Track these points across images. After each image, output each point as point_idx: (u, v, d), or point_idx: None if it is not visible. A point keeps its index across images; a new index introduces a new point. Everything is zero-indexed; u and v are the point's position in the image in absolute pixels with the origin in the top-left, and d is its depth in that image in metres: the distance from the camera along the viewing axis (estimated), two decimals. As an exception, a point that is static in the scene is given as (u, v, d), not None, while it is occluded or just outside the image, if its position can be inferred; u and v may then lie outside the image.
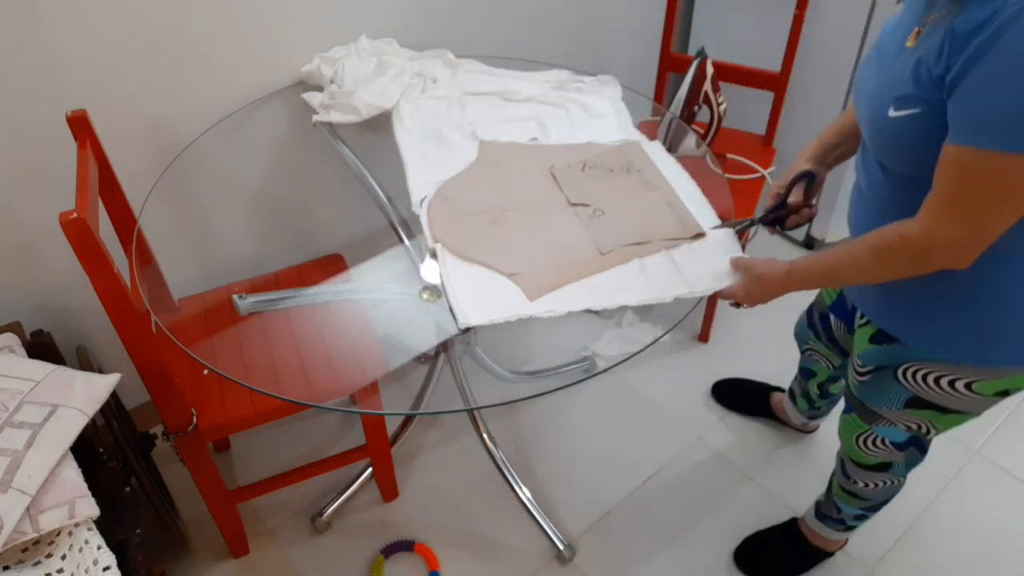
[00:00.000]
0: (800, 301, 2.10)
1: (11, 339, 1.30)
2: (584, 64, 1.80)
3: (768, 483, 1.76)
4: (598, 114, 1.57)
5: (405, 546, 1.62)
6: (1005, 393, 1.05)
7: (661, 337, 1.23)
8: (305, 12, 1.63)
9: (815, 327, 1.49)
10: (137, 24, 1.42)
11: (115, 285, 1.05)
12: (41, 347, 1.40)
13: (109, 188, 1.35)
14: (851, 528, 1.48)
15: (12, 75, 1.33)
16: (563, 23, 2.15)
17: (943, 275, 0.92)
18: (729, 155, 2.01)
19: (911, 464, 1.29)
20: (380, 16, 1.76)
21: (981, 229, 0.85)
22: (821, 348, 1.51)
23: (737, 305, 1.17)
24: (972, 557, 1.61)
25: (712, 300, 2.06)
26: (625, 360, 1.18)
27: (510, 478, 1.70)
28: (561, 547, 1.60)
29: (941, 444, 1.83)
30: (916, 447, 1.24)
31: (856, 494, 1.38)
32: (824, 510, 1.49)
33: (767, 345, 2.08)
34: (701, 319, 2.11)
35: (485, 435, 1.74)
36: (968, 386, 1.04)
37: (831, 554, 1.58)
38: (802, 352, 1.60)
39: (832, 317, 1.41)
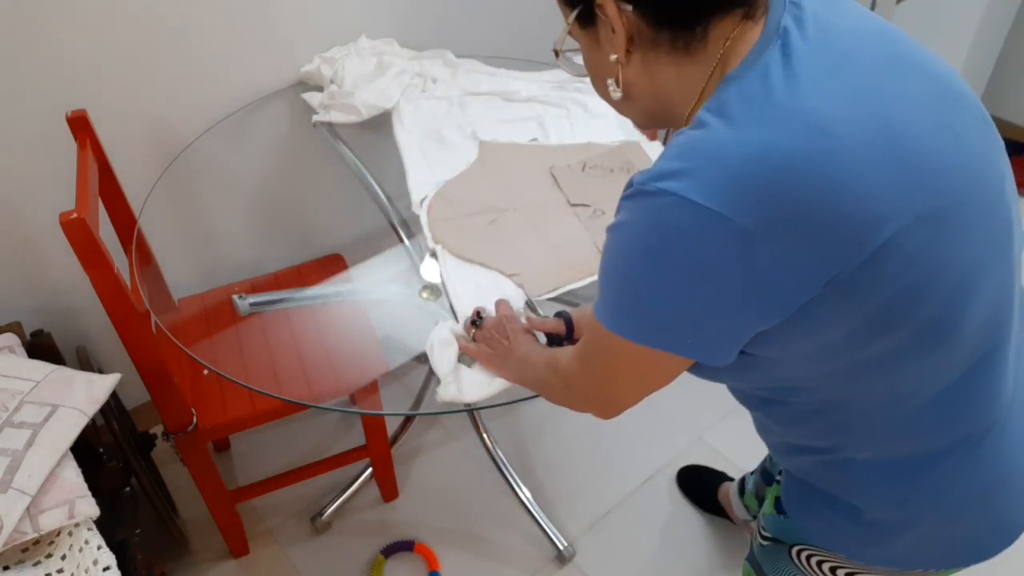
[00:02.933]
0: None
1: (11, 339, 1.30)
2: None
3: (768, 483, 1.76)
4: (598, 114, 1.57)
5: (405, 546, 1.62)
6: None
7: (661, 337, 1.23)
8: (305, 12, 1.63)
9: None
10: (137, 24, 1.42)
11: (115, 285, 1.05)
12: (41, 347, 1.40)
13: (109, 188, 1.35)
14: None
15: (13, 75, 1.33)
16: (563, 23, 2.15)
17: (822, 456, 0.79)
18: (729, 155, 2.01)
19: None
20: (380, 16, 1.76)
21: (604, 393, 0.79)
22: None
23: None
24: (972, 557, 1.61)
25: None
26: (625, 360, 1.18)
27: (510, 478, 1.70)
28: (561, 547, 1.60)
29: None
30: None
31: None
32: None
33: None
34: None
35: (485, 435, 1.74)
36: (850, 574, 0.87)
37: None
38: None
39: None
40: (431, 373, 1.75)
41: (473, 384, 1.09)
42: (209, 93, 1.58)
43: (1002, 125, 2.88)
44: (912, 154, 0.60)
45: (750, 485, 1.43)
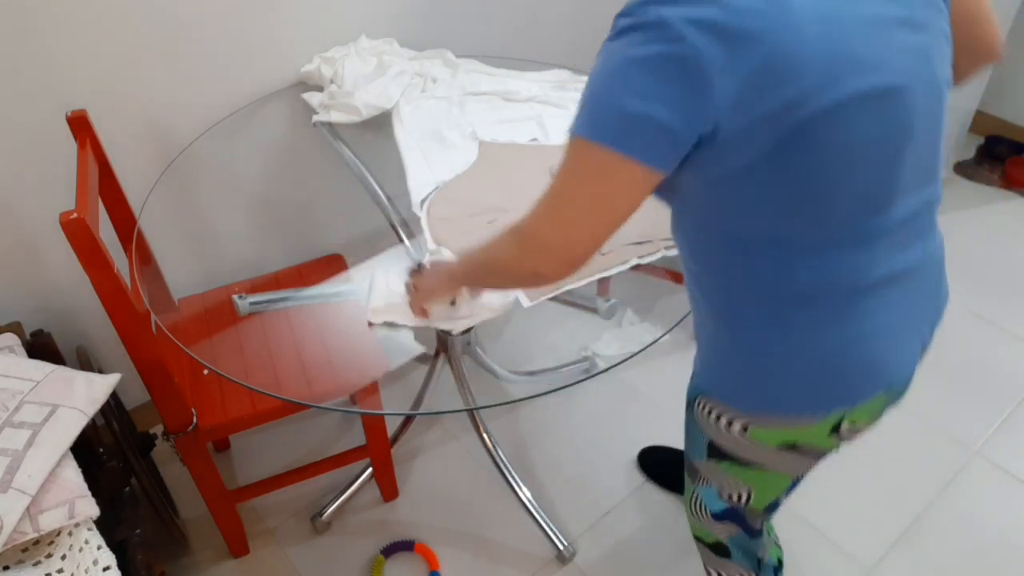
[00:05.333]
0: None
1: (11, 339, 1.30)
2: (584, 64, 1.80)
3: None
4: (598, 114, 1.57)
5: (405, 546, 1.62)
6: (791, 447, 0.95)
7: (661, 337, 1.23)
8: (305, 12, 1.63)
9: None
10: (137, 24, 1.42)
11: (115, 285, 1.05)
12: (41, 347, 1.40)
13: (109, 188, 1.35)
14: None
15: (12, 75, 1.33)
16: (563, 23, 2.15)
17: (700, 312, 0.93)
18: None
19: (747, 553, 1.17)
20: (380, 16, 1.76)
21: (568, 229, 0.80)
22: None
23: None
24: (972, 557, 1.61)
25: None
26: (625, 360, 1.18)
27: (510, 478, 1.70)
28: (561, 547, 1.60)
29: (941, 444, 1.83)
30: (739, 524, 1.11)
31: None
32: None
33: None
34: (701, 319, 2.11)
35: (485, 435, 1.74)
36: (744, 429, 0.94)
37: None
38: None
39: None
40: (431, 373, 1.76)
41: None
42: (209, 93, 1.58)
43: (1002, 125, 2.87)
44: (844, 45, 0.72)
45: None
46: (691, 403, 1.02)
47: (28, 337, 1.41)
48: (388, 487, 1.71)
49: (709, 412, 0.97)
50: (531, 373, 1.96)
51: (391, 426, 1.80)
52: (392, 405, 1.89)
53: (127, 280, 1.09)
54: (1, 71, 1.32)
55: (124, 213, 1.40)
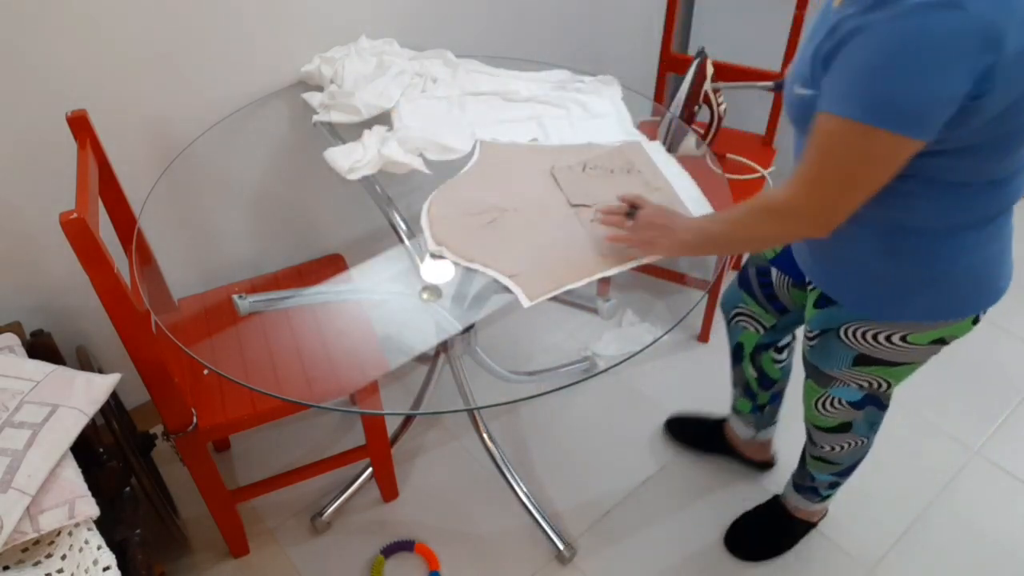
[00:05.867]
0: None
1: (11, 339, 1.30)
2: (584, 64, 1.80)
3: (768, 483, 1.76)
4: (598, 114, 1.57)
5: (405, 546, 1.62)
6: (941, 341, 1.12)
7: (661, 337, 1.23)
8: (305, 12, 1.63)
9: (750, 285, 1.44)
10: (137, 24, 1.42)
11: (115, 285, 1.05)
12: (41, 347, 1.40)
13: (109, 188, 1.35)
14: (826, 497, 1.54)
15: (12, 75, 1.33)
16: (563, 23, 2.15)
17: (866, 246, 1.04)
18: (729, 155, 2.01)
19: (872, 423, 1.35)
20: (380, 16, 1.76)
21: (832, 202, 0.92)
22: (753, 308, 1.45)
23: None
24: (972, 557, 1.61)
25: (712, 300, 2.06)
26: (625, 360, 1.18)
27: (510, 478, 1.70)
28: (561, 547, 1.60)
29: (941, 444, 1.83)
30: (874, 404, 1.30)
31: (825, 459, 1.43)
32: (799, 481, 1.55)
33: (767, 345, 2.09)
34: (701, 319, 2.11)
35: (485, 435, 1.74)
36: (903, 339, 1.12)
37: (814, 525, 1.64)
38: (730, 322, 1.54)
39: (774, 271, 1.38)
40: (431, 373, 1.76)
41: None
42: (209, 93, 1.58)
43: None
44: None
45: (737, 391, 1.64)
46: (832, 330, 1.18)
47: (28, 337, 1.41)
48: (388, 487, 1.71)
49: (864, 333, 1.14)
50: (531, 373, 1.96)
51: (391, 426, 1.80)
52: (392, 405, 1.89)
53: (127, 280, 1.09)
54: (1, 71, 1.32)
55: (124, 213, 1.40)
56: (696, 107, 1.75)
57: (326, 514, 1.66)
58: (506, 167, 1.42)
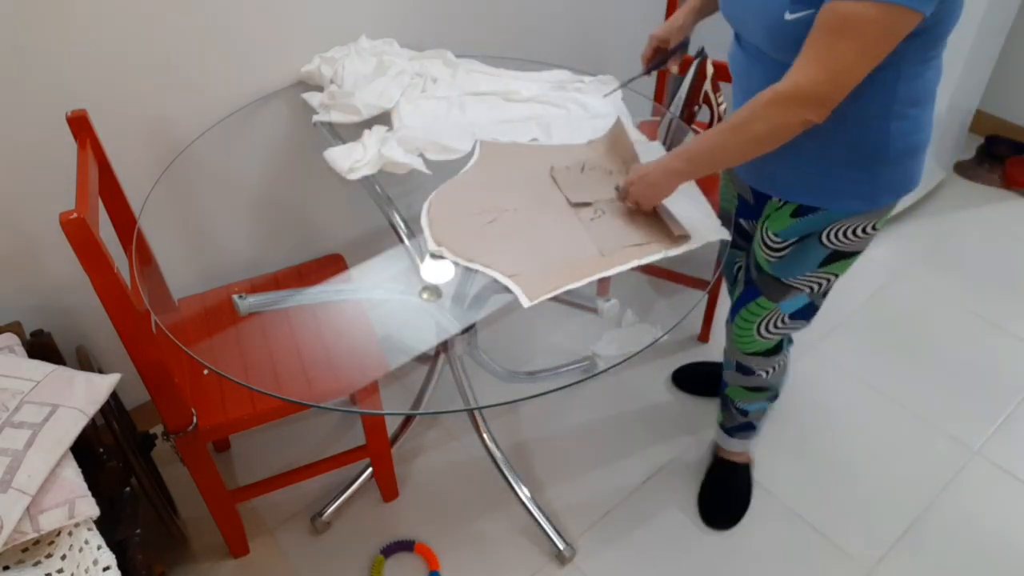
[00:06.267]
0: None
1: (11, 339, 1.30)
2: (584, 64, 1.80)
3: (768, 482, 1.76)
4: (598, 114, 1.57)
5: (405, 546, 1.62)
6: (874, 227, 1.24)
7: (661, 337, 1.23)
8: (305, 12, 1.63)
9: (736, 244, 1.56)
10: (137, 24, 1.42)
11: (115, 285, 1.05)
12: (41, 347, 1.40)
13: (109, 188, 1.35)
14: (757, 428, 1.65)
15: (12, 75, 1.33)
16: (563, 23, 2.15)
17: (841, 145, 1.12)
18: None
19: (791, 340, 1.50)
20: (380, 16, 1.76)
21: (844, 81, 0.99)
22: (742, 256, 1.57)
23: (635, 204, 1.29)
24: (972, 557, 1.61)
25: (712, 300, 2.06)
26: (625, 360, 1.18)
27: (510, 478, 1.70)
28: (561, 547, 1.60)
29: (941, 444, 1.83)
30: (805, 316, 1.39)
31: (758, 387, 1.53)
32: (729, 424, 1.62)
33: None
34: (701, 319, 2.11)
35: (485, 435, 1.74)
36: (874, 227, 1.22)
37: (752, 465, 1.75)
38: (732, 281, 1.64)
39: (743, 222, 1.50)
40: (431, 373, 1.76)
41: None
42: (209, 93, 1.58)
43: (1002, 125, 2.87)
44: None
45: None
46: (813, 234, 1.24)
47: (28, 337, 1.41)
48: (388, 487, 1.71)
49: (845, 231, 1.22)
50: (531, 373, 1.96)
51: (391, 426, 1.80)
52: (392, 405, 1.89)
53: (127, 280, 1.09)
54: (1, 71, 1.32)
55: (124, 213, 1.40)
56: (696, 107, 1.75)
57: (326, 514, 1.66)
58: (506, 167, 1.42)
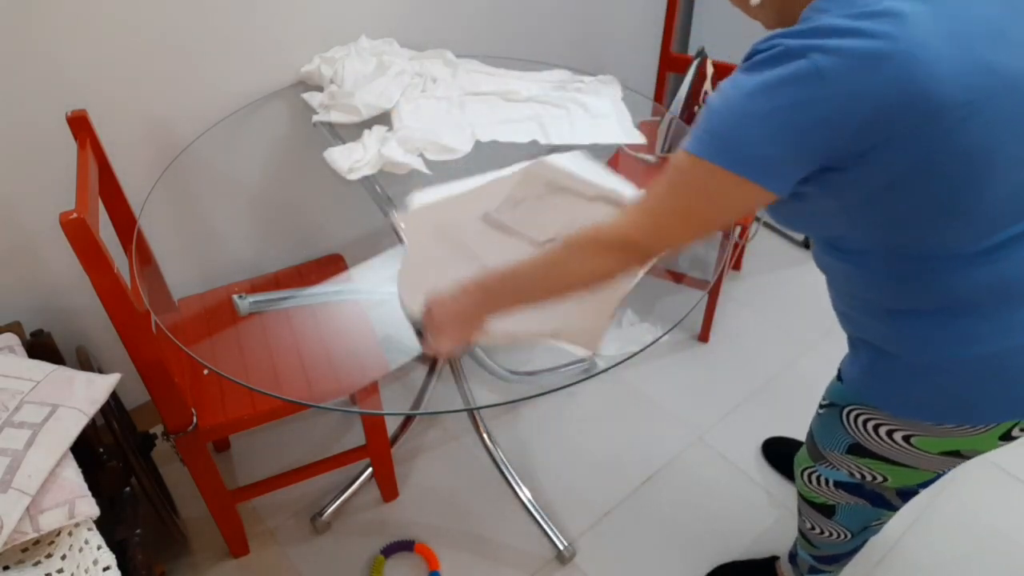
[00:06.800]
0: (805, 302, 2.08)
1: (11, 339, 1.30)
2: (584, 64, 1.80)
3: (769, 482, 1.76)
4: (598, 114, 1.57)
5: (405, 546, 1.62)
6: (957, 454, 0.98)
7: (661, 337, 1.23)
8: (305, 12, 1.63)
9: None
10: (137, 24, 1.42)
11: (115, 285, 1.05)
12: (41, 347, 1.40)
13: (109, 188, 1.35)
14: None
15: (12, 75, 1.33)
16: (563, 23, 2.15)
17: (862, 324, 0.96)
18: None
19: (861, 521, 1.21)
20: (380, 16, 1.76)
21: (667, 235, 0.85)
22: None
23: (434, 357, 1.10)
24: (972, 557, 1.61)
25: (712, 300, 2.06)
26: (625, 360, 1.18)
27: (510, 478, 1.70)
28: (561, 547, 1.60)
29: (941, 444, 1.83)
30: (867, 498, 1.16)
31: (806, 537, 1.33)
32: (792, 549, 1.45)
33: (767, 345, 2.08)
34: (701, 319, 2.11)
35: (485, 435, 1.74)
36: (907, 439, 0.99)
37: None
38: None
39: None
40: (431, 373, 1.76)
41: None
42: (209, 93, 1.58)
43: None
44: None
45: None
46: (837, 406, 1.06)
47: (28, 337, 1.41)
48: (388, 487, 1.71)
49: (865, 421, 1.02)
50: (531, 373, 1.96)
51: (391, 426, 1.80)
52: (392, 405, 1.89)
53: (127, 280, 1.09)
54: (1, 71, 1.32)
55: (124, 213, 1.40)
56: (696, 107, 1.76)
57: (326, 514, 1.66)
58: (441, 233, 1.31)
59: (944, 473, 1.06)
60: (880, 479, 1.10)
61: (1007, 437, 0.95)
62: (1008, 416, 0.92)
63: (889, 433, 1.00)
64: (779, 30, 0.78)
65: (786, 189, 0.79)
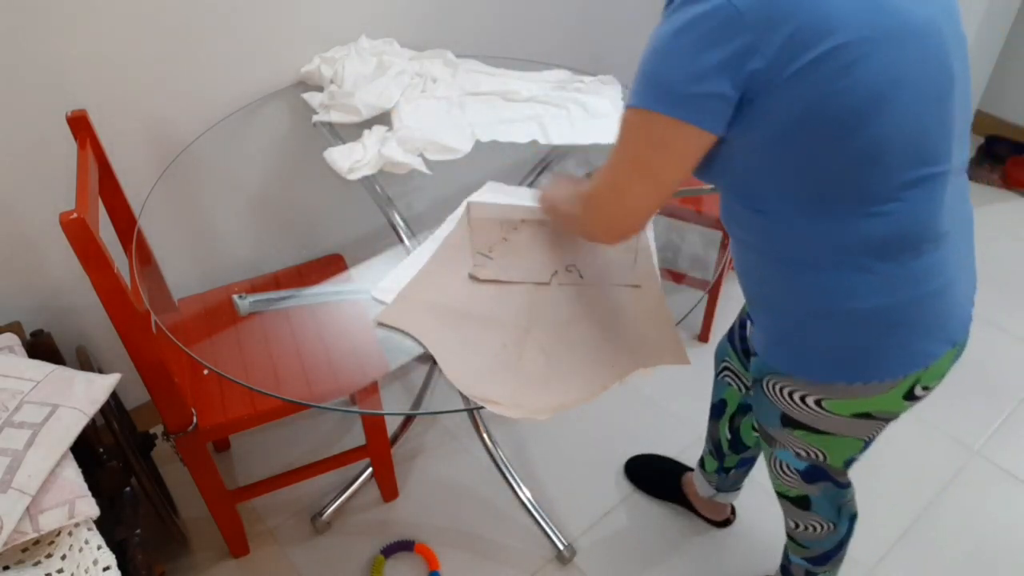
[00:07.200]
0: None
1: (11, 339, 1.30)
2: (584, 64, 1.80)
3: (768, 482, 1.76)
4: (598, 114, 1.57)
5: (405, 546, 1.62)
6: (867, 416, 0.98)
7: (661, 337, 1.23)
8: (305, 12, 1.63)
9: (733, 338, 1.36)
10: (137, 24, 1.42)
11: (115, 285, 1.05)
12: (41, 347, 1.40)
13: (109, 188, 1.35)
14: None
15: (12, 75, 1.33)
16: (563, 23, 2.15)
17: (765, 283, 0.96)
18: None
19: (836, 505, 1.21)
20: (380, 16, 1.76)
21: (623, 192, 0.88)
22: (735, 363, 1.37)
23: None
24: (972, 557, 1.61)
25: (712, 300, 2.06)
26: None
27: (510, 478, 1.70)
28: (561, 547, 1.60)
29: (941, 444, 1.83)
30: (827, 480, 1.16)
31: (795, 539, 1.33)
32: (783, 560, 1.43)
33: (767, 345, 2.08)
34: (701, 319, 2.11)
35: (485, 435, 1.74)
36: (819, 404, 0.99)
37: None
38: (717, 375, 1.45)
39: (748, 323, 1.30)
40: (431, 373, 1.76)
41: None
42: (209, 93, 1.58)
43: (1002, 125, 2.87)
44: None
45: (707, 447, 1.56)
46: (758, 381, 1.06)
47: (28, 337, 1.41)
48: (388, 487, 1.71)
49: (780, 389, 1.02)
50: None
51: (391, 426, 1.80)
52: (392, 405, 1.89)
53: (127, 280, 1.09)
54: (1, 71, 1.32)
55: (124, 213, 1.40)
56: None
57: (326, 514, 1.66)
58: (438, 316, 1.22)
59: (870, 441, 1.07)
60: (820, 456, 1.10)
61: (911, 396, 0.96)
62: (906, 369, 0.92)
63: (803, 398, 1.00)
64: None
65: (719, 127, 0.81)
